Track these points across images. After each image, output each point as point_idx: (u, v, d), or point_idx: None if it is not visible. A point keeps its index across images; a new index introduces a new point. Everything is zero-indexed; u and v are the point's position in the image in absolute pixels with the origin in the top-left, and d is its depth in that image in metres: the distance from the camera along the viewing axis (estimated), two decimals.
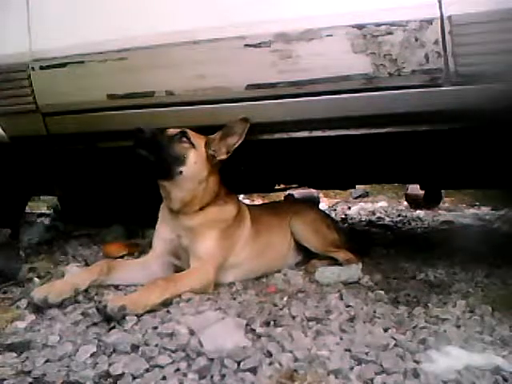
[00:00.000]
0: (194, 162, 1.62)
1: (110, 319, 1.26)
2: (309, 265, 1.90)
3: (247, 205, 2.00)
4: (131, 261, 1.82)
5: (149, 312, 1.33)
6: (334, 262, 1.89)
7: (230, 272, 1.70)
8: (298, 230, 1.95)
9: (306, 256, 1.98)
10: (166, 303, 1.39)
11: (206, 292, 1.53)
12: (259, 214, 1.90)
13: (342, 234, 2.14)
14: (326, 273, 1.73)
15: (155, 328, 1.22)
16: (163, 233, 1.73)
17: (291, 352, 1.09)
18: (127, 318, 1.28)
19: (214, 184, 1.70)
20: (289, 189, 3.47)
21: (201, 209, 1.67)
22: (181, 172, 1.61)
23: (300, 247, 1.98)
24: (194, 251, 1.62)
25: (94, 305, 1.37)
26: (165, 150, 1.59)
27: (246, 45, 1.51)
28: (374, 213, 4.30)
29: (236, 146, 1.64)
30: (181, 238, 1.67)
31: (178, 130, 1.64)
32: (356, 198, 5.76)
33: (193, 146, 1.63)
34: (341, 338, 1.18)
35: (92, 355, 1.09)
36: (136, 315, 1.28)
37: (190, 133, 1.64)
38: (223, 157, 1.67)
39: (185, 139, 1.63)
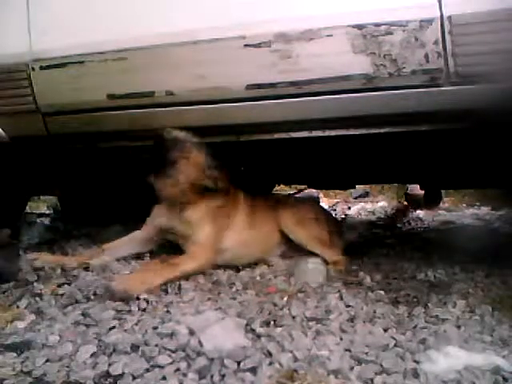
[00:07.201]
0: None
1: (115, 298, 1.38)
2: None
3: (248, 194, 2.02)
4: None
5: (148, 312, 1.33)
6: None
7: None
8: (284, 221, 1.97)
9: (291, 246, 1.98)
10: (167, 302, 1.40)
11: (205, 269, 1.69)
12: (254, 205, 1.96)
13: (337, 234, 2.14)
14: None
15: (155, 328, 1.22)
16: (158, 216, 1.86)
17: (291, 352, 1.09)
18: (127, 317, 1.28)
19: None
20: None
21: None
22: None
23: (286, 238, 1.99)
24: (192, 237, 1.73)
25: (94, 304, 1.38)
26: None
27: (246, 45, 1.51)
28: (373, 213, 4.30)
29: None
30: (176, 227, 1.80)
31: None
32: (356, 198, 5.75)
33: None
34: (341, 338, 1.18)
35: (92, 355, 1.09)
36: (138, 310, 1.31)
37: None
38: None
39: None
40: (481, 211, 4.37)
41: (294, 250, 1.97)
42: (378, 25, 1.39)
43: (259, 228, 1.94)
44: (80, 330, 1.23)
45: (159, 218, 1.86)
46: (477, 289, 1.62)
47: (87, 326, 1.25)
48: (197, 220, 1.76)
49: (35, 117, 1.79)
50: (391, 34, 1.39)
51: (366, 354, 1.10)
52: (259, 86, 1.55)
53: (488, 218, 3.84)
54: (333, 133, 1.62)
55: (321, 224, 2.03)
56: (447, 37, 1.34)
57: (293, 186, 4.21)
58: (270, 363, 1.05)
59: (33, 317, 1.33)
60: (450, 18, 1.33)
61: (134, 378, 1.00)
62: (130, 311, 1.35)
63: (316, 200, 4.23)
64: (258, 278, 1.76)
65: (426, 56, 1.38)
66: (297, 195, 3.76)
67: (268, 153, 2.06)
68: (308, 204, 2.24)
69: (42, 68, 1.73)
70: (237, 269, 1.84)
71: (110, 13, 1.66)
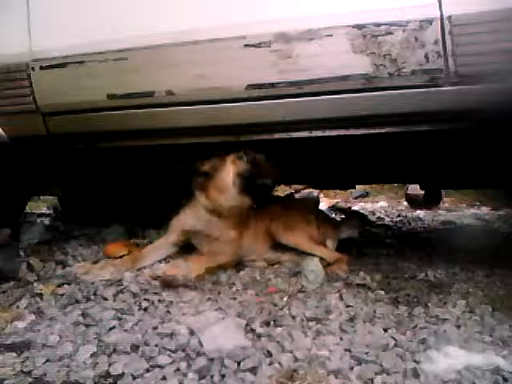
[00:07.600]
0: None
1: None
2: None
3: None
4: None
5: (149, 312, 1.33)
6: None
7: None
8: (275, 230, 2.01)
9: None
10: (167, 302, 1.39)
11: (230, 267, 1.82)
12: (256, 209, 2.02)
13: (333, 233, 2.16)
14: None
15: (155, 328, 1.22)
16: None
17: (291, 352, 1.10)
18: (127, 317, 1.28)
19: None
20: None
21: None
22: None
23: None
24: (223, 237, 1.87)
25: (94, 304, 1.38)
26: None
27: (246, 45, 1.51)
28: (374, 213, 4.30)
29: None
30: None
31: None
32: (356, 198, 5.75)
33: None
34: (341, 338, 1.18)
35: (92, 355, 1.10)
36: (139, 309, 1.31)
37: None
38: None
39: None
40: (481, 211, 4.37)
41: (292, 249, 2.00)
42: (377, 25, 1.39)
43: (259, 229, 2.02)
44: (80, 330, 1.23)
45: (188, 221, 1.95)
46: (477, 289, 1.63)
47: (87, 326, 1.26)
48: (230, 223, 1.89)
49: (35, 117, 1.79)
50: (391, 33, 1.39)
51: (366, 354, 1.10)
52: (259, 86, 1.54)
53: (488, 217, 3.84)
54: (333, 133, 1.62)
55: (314, 226, 2.07)
56: (447, 37, 1.34)
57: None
58: (270, 363, 1.06)
59: (33, 317, 1.34)
60: (449, 17, 1.33)
61: (134, 378, 1.01)
62: (130, 311, 1.35)
63: (316, 200, 4.24)
64: (258, 278, 1.76)
65: (426, 56, 1.37)
66: (296, 195, 3.76)
67: (268, 153, 2.06)
68: (300, 207, 2.31)
69: (42, 68, 1.72)
70: (237, 269, 1.84)
71: (110, 13, 1.66)
